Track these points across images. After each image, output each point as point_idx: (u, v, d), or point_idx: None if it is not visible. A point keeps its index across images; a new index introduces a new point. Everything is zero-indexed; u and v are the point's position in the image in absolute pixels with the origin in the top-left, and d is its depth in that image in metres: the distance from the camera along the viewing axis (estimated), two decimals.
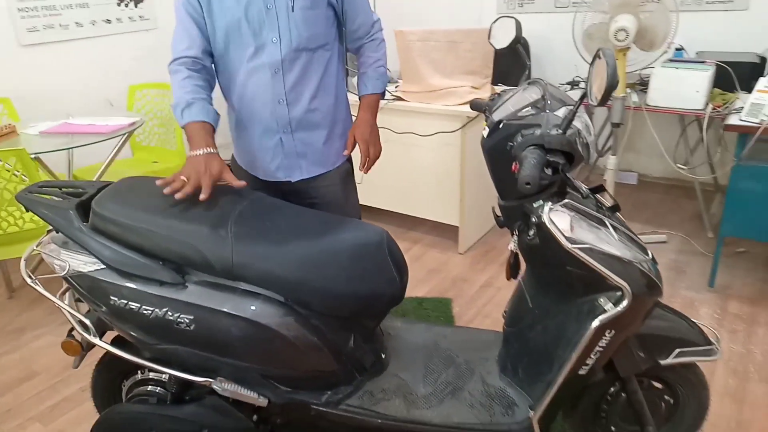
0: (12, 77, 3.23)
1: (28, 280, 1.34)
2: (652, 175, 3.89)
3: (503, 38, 1.91)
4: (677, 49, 3.01)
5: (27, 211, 1.38)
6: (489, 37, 2.01)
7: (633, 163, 3.92)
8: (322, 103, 1.63)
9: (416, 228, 3.28)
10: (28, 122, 2.81)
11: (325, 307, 1.34)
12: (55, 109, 3.31)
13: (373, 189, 3.05)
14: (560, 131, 1.09)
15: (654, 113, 2.76)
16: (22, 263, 1.41)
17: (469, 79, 2.82)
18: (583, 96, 1.14)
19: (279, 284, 1.30)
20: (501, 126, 1.22)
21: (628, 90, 2.82)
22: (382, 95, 1.78)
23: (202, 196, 1.31)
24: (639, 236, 1.35)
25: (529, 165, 1.06)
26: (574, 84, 3.04)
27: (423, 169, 2.98)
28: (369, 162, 1.72)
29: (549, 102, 1.17)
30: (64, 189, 1.45)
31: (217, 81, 1.62)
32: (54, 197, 1.40)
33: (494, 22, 2.00)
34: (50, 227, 1.39)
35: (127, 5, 3.77)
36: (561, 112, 1.15)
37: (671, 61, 2.79)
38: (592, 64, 1.15)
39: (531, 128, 1.15)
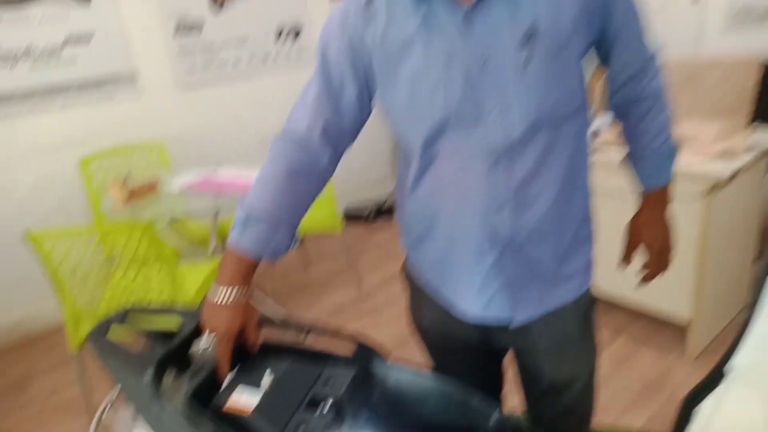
0: (169, 120, 3.13)
1: None
2: None
3: None
4: None
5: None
6: None
7: None
8: (567, 205, 1.00)
9: (613, 311, 2.50)
10: (178, 169, 2.66)
11: None
12: (208, 152, 3.16)
13: None
14: None
15: None
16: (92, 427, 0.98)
17: (716, 123, 2.02)
18: None
19: None
20: None
21: None
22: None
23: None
24: None
25: None
26: None
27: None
28: (651, 276, 1.22)
29: None
30: (155, 316, 1.01)
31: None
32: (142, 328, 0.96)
33: None
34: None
35: (285, 41, 3.54)
36: None
37: None
38: None
39: None
